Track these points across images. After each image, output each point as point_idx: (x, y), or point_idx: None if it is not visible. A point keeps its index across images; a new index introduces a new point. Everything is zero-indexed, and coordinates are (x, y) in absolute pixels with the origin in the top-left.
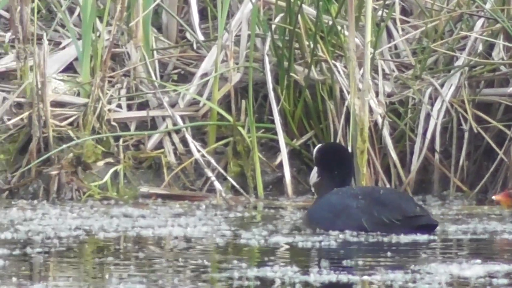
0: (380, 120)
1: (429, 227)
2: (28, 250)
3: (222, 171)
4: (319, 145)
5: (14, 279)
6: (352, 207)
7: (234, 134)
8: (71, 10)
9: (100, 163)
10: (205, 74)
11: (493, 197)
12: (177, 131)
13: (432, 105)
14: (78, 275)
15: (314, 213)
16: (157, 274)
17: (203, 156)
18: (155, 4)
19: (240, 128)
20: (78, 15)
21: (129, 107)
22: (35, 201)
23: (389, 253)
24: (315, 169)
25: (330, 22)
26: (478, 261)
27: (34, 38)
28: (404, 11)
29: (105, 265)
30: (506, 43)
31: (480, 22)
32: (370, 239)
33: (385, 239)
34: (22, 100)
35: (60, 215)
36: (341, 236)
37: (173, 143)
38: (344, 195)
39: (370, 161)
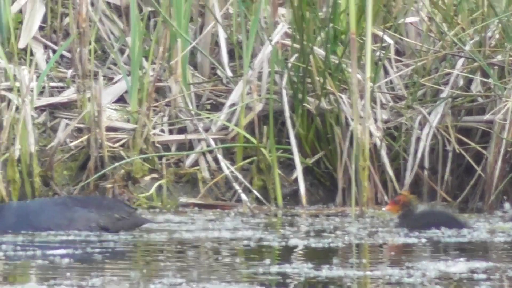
0: (378, 142)
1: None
2: (88, 249)
3: (248, 184)
4: None
5: (77, 275)
6: None
7: (257, 154)
8: (121, 51)
9: (147, 178)
10: (233, 104)
11: (383, 209)
12: (210, 152)
13: (422, 130)
14: (132, 270)
15: None
16: (196, 270)
17: (231, 172)
18: (191, 46)
19: (262, 149)
20: (128, 55)
21: (170, 132)
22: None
23: (387, 252)
24: None
25: (337, 61)
26: (462, 259)
27: (91, 74)
28: (398, 52)
29: (153, 262)
30: (483, 79)
31: (461, 61)
32: (371, 241)
33: (383, 241)
34: (81, 125)
35: None
36: (346, 238)
37: (207, 162)
38: None
39: (370, 176)
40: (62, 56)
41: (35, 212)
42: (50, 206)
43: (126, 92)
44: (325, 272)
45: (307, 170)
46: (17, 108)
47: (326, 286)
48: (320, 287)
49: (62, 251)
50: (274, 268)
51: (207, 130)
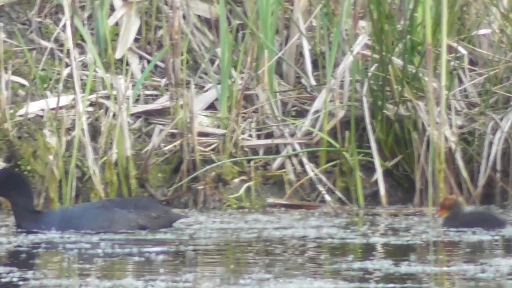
0: (453, 147)
1: None
2: (181, 247)
3: (331, 186)
4: None
5: (171, 271)
6: None
7: (340, 157)
8: (212, 61)
9: (236, 180)
10: (316, 111)
11: (435, 215)
12: (296, 155)
13: (494, 135)
14: (222, 266)
15: None
16: (282, 266)
17: (316, 174)
18: (277, 57)
19: (344, 153)
20: (218, 65)
21: (258, 137)
22: (186, 210)
23: (462, 249)
24: None
25: (414, 71)
26: None
27: (184, 83)
28: (471, 62)
29: (243, 258)
30: None
31: None
32: (446, 238)
33: (459, 239)
34: (174, 131)
35: (205, 220)
36: (423, 236)
37: (292, 165)
38: None
39: (446, 178)
40: (156, 66)
41: (77, 216)
42: (91, 210)
43: (216, 99)
44: (404, 268)
45: (386, 173)
46: (114, 115)
47: (405, 281)
48: (399, 282)
49: (157, 249)
50: (356, 264)
51: (292, 135)
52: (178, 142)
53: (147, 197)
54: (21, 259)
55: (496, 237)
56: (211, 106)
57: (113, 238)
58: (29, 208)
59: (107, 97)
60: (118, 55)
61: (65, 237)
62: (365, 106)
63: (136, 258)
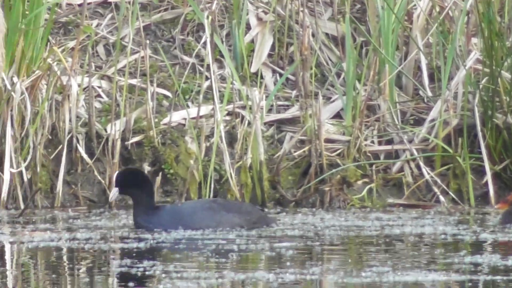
0: None
1: None
2: (309, 242)
3: (445, 187)
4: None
5: (299, 265)
6: None
7: (453, 161)
8: (338, 75)
9: (359, 182)
10: (432, 120)
11: (495, 206)
12: (413, 160)
13: None
14: (345, 260)
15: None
16: (401, 260)
17: (431, 177)
18: (397, 70)
19: (457, 158)
20: (343, 78)
21: (379, 143)
22: (314, 209)
23: None
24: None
25: None
26: None
27: (312, 94)
28: None
29: (364, 253)
30: None
31: None
32: None
33: None
34: (304, 138)
35: (331, 218)
36: None
37: (410, 168)
38: None
39: None
40: (287, 79)
41: (188, 214)
42: (200, 210)
43: (341, 109)
44: (510, 261)
45: (495, 175)
46: (249, 123)
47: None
48: (506, 275)
49: (286, 244)
50: (467, 258)
51: (410, 141)
52: (307, 147)
53: (249, 202)
54: (163, 254)
55: None
56: (337, 115)
57: (248, 234)
58: (148, 205)
59: (243, 107)
60: (253, 69)
61: (205, 233)
62: (477, 115)
63: (268, 253)
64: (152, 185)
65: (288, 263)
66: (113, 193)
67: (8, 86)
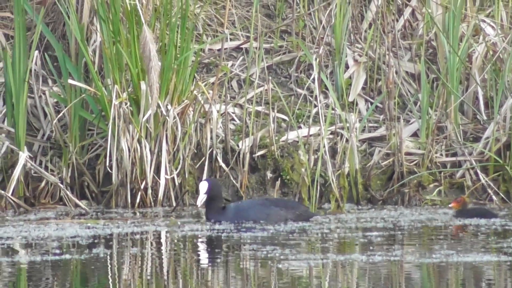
0: None
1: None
2: (391, 232)
3: (496, 189)
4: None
5: (384, 248)
6: None
7: (503, 170)
8: (415, 103)
9: (431, 185)
10: (487, 137)
11: (449, 205)
12: (472, 168)
13: None
14: (419, 245)
15: None
16: (462, 244)
17: (486, 181)
18: (460, 100)
19: (506, 167)
20: (419, 105)
21: (447, 155)
22: (396, 206)
23: None
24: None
25: None
26: None
27: (395, 118)
28: None
29: (434, 239)
30: None
31: None
32: None
33: None
34: (389, 151)
35: (409, 213)
36: None
37: (470, 175)
38: None
39: None
40: (376, 106)
41: (246, 209)
42: (255, 205)
43: (418, 129)
44: None
45: None
46: (346, 140)
47: None
48: None
49: (375, 233)
50: None
51: (470, 154)
52: (391, 159)
53: (292, 199)
54: (280, 241)
55: None
56: (414, 134)
57: (343, 226)
58: (218, 204)
59: (342, 128)
60: (350, 98)
61: (316, 223)
62: None
63: (361, 240)
64: (221, 188)
65: (376, 247)
66: (201, 199)
67: (164, 112)
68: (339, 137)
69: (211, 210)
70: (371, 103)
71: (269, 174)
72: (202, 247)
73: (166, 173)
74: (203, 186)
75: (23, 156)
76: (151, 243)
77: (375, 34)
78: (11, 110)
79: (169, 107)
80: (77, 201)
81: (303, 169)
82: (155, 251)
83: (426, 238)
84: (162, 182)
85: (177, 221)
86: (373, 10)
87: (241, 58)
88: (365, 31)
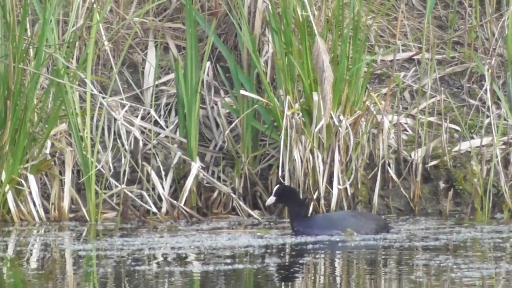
0: None
1: None
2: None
3: None
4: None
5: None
6: None
7: None
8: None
9: None
10: None
11: None
12: None
13: None
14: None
15: None
16: None
17: None
18: None
19: None
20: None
21: None
22: None
23: None
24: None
25: None
26: None
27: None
28: None
29: None
30: None
31: None
32: None
33: None
34: None
35: None
36: None
37: None
38: None
39: None
40: None
41: (334, 220)
42: (349, 217)
43: None
44: None
45: None
46: None
47: None
48: None
49: (433, 243)
50: None
51: None
52: None
53: (373, 213)
54: (452, 250)
55: None
56: None
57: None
58: (301, 214)
59: None
60: None
61: (488, 232)
62: None
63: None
64: (300, 197)
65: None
66: (270, 200)
67: (336, 123)
68: (511, 148)
69: (293, 219)
70: None
71: (441, 184)
72: (374, 257)
73: (338, 183)
74: (275, 188)
75: (196, 166)
76: (324, 253)
77: None
78: (183, 121)
79: (341, 117)
80: (250, 211)
81: (475, 180)
82: (328, 261)
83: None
84: (334, 192)
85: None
86: None
87: (413, 69)
88: None
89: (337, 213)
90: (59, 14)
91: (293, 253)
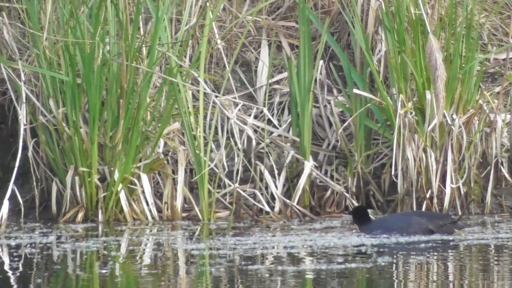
0: None
1: None
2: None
3: None
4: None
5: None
6: None
7: None
8: None
9: None
10: None
11: None
12: None
13: None
14: None
15: None
16: None
17: None
18: None
19: None
20: None
21: None
22: None
23: None
24: None
25: None
26: None
27: None
28: None
29: None
30: None
31: None
32: None
33: None
34: None
35: None
36: None
37: None
38: None
39: None
40: None
41: (388, 221)
42: (397, 217)
43: None
44: None
45: None
46: None
47: None
48: None
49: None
50: None
51: None
52: None
53: (440, 212)
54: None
55: None
56: None
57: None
58: (365, 219)
59: None
60: None
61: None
62: None
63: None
64: (368, 212)
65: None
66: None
67: (449, 121)
68: None
69: (360, 224)
70: None
71: None
72: (487, 256)
73: (451, 182)
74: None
75: (309, 165)
76: (437, 252)
77: None
78: (296, 120)
79: (454, 116)
80: None
81: None
82: (440, 260)
83: None
84: (447, 191)
85: (461, 232)
86: None
87: None
88: None
89: (394, 214)
90: (172, 12)
91: (405, 252)
